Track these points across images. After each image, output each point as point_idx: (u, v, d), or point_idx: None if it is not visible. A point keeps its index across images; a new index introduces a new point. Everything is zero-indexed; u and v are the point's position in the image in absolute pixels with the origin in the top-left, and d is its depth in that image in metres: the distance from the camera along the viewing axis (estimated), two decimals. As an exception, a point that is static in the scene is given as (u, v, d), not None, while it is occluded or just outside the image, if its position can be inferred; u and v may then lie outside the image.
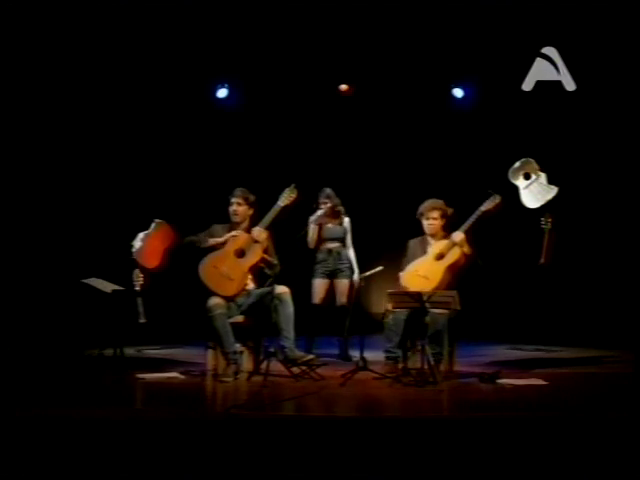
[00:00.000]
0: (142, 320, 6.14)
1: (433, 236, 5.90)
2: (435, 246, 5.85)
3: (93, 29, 7.50)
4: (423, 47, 7.90)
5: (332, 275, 6.75)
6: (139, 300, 6.13)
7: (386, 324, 5.73)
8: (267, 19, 7.60)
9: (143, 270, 6.34)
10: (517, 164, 6.48)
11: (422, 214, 5.92)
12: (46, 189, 7.97)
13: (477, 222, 5.78)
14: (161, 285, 6.53)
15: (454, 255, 5.76)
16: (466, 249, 5.77)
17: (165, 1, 7.34)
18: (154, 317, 6.32)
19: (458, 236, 5.77)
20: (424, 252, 5.89)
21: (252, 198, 5.93)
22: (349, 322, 6.45)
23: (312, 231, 6.68)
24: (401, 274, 5.87)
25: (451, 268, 5.77)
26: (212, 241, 5.77)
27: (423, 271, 5.77)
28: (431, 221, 5.88)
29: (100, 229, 8.00)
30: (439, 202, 5.93)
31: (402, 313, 5.60)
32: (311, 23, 7.62)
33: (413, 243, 6.02)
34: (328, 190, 6.76)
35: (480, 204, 5.81)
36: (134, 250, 6.36)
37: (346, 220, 6.83)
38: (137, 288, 6.14)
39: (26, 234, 7.77)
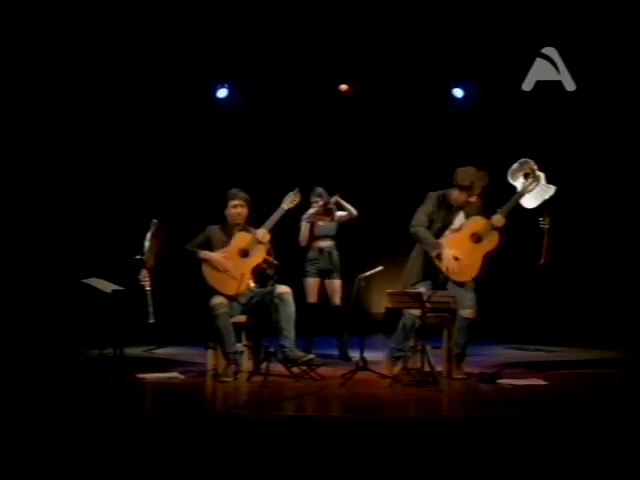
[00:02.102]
0: (151, 320, 6.12)
1: (462, 209, 5.52)
2: (470, 223, 5.51)
3: (93, 29, 7.51)
4: (423, 47, 7.91)
5: (323, 274, 6.75)
6: (149, 300, 6.11)
7: (402, 325, 5.57)
8: (267, 19, 7.61)
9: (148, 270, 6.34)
10: (515, 165, 6.45)
11: (464, 186, 5.40)
12: (46, 190, 7.99)
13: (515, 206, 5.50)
14: (161, 285, 6.52)
15: (493, 241, 5.47)
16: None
17: (165, 1, 7.35)
18: (154, 317, 6.31)
19: (500, 221, 5.45)
20: (447, 213, 5.53)
21: (248, 198, 5.94)
22: (347, 322, 6.44)
23: (304, 229, 6.70)
24: (443, 242, 5.41)
25: (487, 255, 5.51)
26: (202, 255, 5.75)
27: (464, 257, 5.44)
28: (470, 198, 5.43)
29: (100, 229, 8.01)
30: (485, 176, 5.46)
31: (418, 316, 5.42)
32: (311, 23, 7.63)
33: (435, 198, 5.54)
34: (319, 189, 6.76)
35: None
36: (145, 250, 6.35)
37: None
38: (147, 288, 6.12)
39: (26, 235, 7.78)
